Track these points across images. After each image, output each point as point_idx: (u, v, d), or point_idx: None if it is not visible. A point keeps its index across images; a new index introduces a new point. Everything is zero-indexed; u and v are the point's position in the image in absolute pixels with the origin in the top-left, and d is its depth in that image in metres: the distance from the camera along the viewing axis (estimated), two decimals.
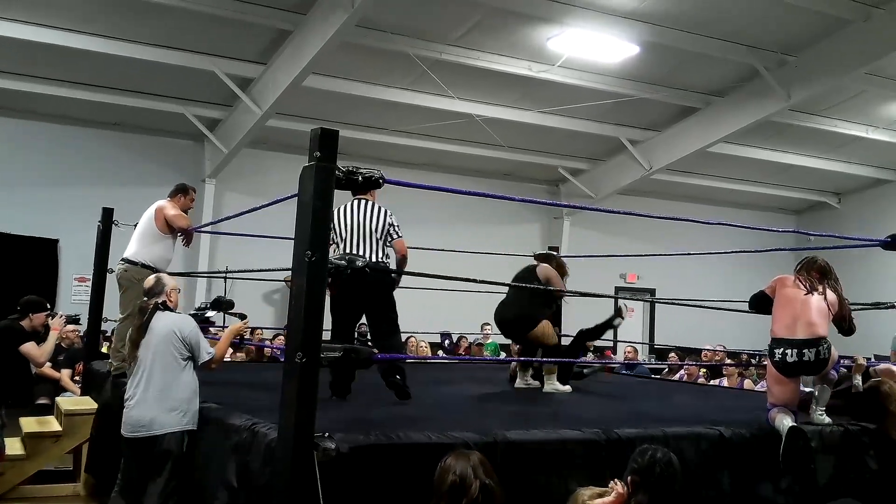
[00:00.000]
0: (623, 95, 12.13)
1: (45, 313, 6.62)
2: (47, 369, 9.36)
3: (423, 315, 11.90)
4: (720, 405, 6.45)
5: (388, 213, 5.34)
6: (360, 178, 3.93)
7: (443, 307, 12.24)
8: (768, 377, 4.87)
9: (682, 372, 9.83)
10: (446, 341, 13.60)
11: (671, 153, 13.85)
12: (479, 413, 5.13)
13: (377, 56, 10.91)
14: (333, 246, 5.17)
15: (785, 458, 4.42)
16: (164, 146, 12.96)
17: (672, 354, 10.78)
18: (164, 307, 4.75)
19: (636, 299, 15.44)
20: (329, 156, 3.72)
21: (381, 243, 5.22)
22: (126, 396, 4.65)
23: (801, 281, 4.79)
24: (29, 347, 6.33)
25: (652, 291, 16.23)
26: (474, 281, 4.88)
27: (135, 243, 6.50)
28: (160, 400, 4.49)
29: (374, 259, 5.15)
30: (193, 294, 12.88)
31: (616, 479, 3.50)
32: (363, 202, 5.29)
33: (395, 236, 5.33)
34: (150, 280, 4.93)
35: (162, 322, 4.66)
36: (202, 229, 6.91)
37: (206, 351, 4.71)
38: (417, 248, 7.71)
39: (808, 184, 16.82)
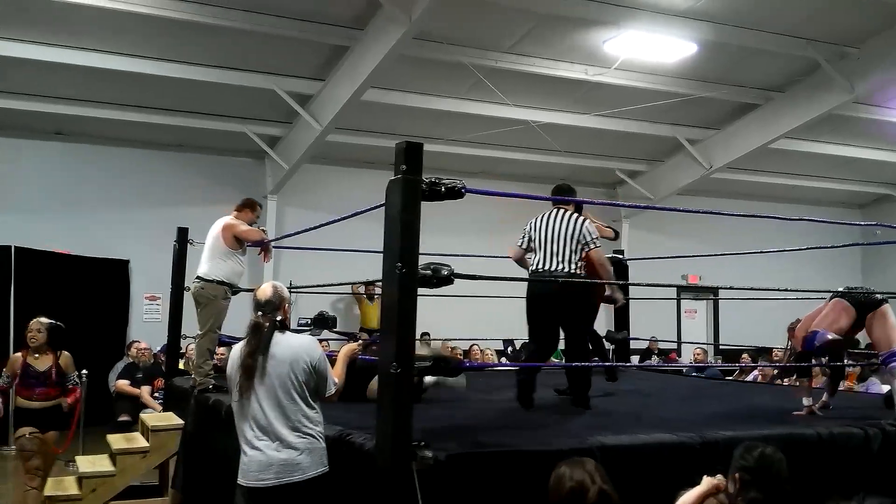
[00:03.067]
0: (681, 95, 12.01)
1: None
2: (126, 387, 9.62)
3: (485, 323, 11.95)
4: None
5: (586, 223, 5.51)
6: (444, 189, 3.95)
7: (504, 315, 12.23)
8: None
9: (755, 373, 9.67)
10: (509, 348, 13.59)
11: (731, 151, 13.66)
12: (564, 418, 5.11)
13: (433, 67, 10.98)
14: (531, 253, 5.59)
15: None
16: (225, 165, 13.21)
17: (744, 355, 10.60)
18: (282, 326, 3.93)
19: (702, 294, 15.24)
20: (415, 168, 3.77)
21: (574, 253, 5.40)
22: (245, 438, 3.81)
23: None
24: None
25: (714, 291, 15.99)
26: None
27: (206, 261, 6.64)
28: (293, 440, 3.71)
29: (566, 268, 5.38)
30: None
31: (710, 476, 3.47)
32: (562, 211, 5.54)
33: (590, 246, 5.48)
34: (267, 291, 3.96)
35: (285, 345, 3.84)
36: (285, 245, 7.02)
37: (333, 382, 3.93)
38: (471, 256, 7.77)
39: (872, 177, 16.42)
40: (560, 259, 5.39)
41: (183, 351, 9.23)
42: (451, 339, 11.19)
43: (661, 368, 10.58)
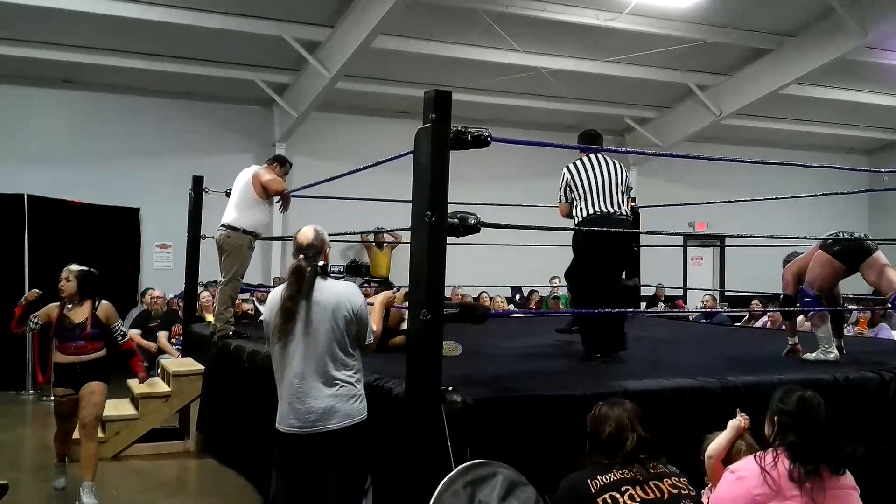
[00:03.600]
0: (692, 40, 11.89)
1: None
2: (137, 338, 9.71)
3: (493, 271, 12.03)
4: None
5: (626, 168, 5.46)
6: (470, 138, 3.96)
7: (512, 262, 12.32)
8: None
9: (764, 319, 9.76)
10: (517, 296, 13.71)
11: (742, 97, 13.55)
12: (584, 364, 5.19)
13: (443, 13, 10.85)
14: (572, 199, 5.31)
15: None
16: (234, 113, 13.15)
17: (755, 302, 10.68)
18: (324, 271, 3.80)
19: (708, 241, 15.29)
20: (444, 117, 3.76)
21: (623, 199, 5.30)
22: (283, 384, 3.73)
23: None
24: None
25: (721, 239, 16.05)
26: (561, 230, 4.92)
27: (233, 209, 6.67)
28: (334, 387, 3.65)
29: (627, 214, 5.31)
30: (269, 259, 13.16)
31: (743, 415, 3.53)
32: (603, 156, 5.39)
33: (630, 193, 5.46)
34: (308, 234, 3.81)
35: (327, 291, 3.72)
36: (295, 194, 7.03)
37: (372, 329, 3.85)
38: (485, 205, 7.76)
39: (880, 122, 16.32)
40: (620, 203, 5.29)
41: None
42: (460, 287, 11.26)
43: (671, 315, 10.68)
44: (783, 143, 16.33)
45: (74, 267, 5.85)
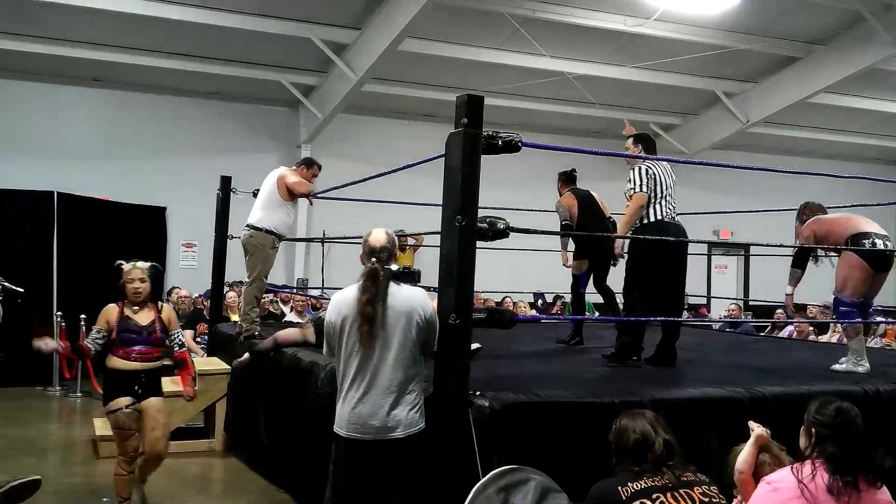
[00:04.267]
0: (720, 47, 11.84)
1: None
2: None
3: (515, 276, 12.02)
4: None
5: None
6: (501, 143, 3.97)
7: (533, 268, 12.29)
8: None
9: (790, 329, 9.69)
10: (539, 301, 13.67)
11: (769, 105, 13.48)
12: (609, 371, 5.18)
13: (470, 16, 10.88)
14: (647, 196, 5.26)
15: None
16: (261, 114, 13.24)
17: (779, 311, 10.59)
18: (395, 276, 3.73)
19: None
20: (476, 122, 3.77)
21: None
22: (350, 387, 3.63)
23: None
24: None
25: (745, 248, 15.93)
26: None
27: (258, 210, 6.71)
28: (401, 395, 3.58)
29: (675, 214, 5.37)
30: (293, 259, 13.24)
31: (756, 423, 3.50)
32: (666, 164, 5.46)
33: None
34: (381, 238, 3.71)
35: (400, 296, 3.65)
36: (319, 196, 7.08)
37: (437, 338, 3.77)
38: (504, 209, 7.74)
39: None
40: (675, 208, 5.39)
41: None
42: (482, 292, 11.25)
43: (694, 323, 10.61)
44: (812, 153, 16.20)
45: (142, 264, 5.15)
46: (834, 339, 9.52)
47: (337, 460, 3.70)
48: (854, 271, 5.24)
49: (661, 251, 5.23)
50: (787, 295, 5.75)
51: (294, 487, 5.48)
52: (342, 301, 3.71)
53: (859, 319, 5.31)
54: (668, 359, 5.46)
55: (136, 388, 5.03)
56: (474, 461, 3.56)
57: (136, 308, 5.11)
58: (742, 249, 16.00)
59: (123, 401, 4.96)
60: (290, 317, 10.13)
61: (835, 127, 15.47)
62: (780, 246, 5.94)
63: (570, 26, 11.15)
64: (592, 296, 9.46)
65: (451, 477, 3.57)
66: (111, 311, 5.11)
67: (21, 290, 5.84)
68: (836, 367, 5.35)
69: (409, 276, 4.16)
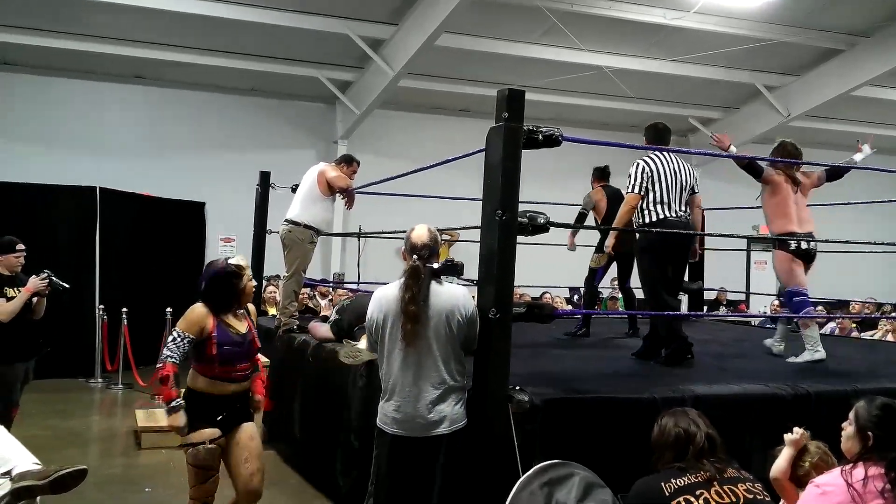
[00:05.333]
0: (761, 40, 11.66)
1: (15, 254, 5.76)
2: None
3: (551, 271, 11.95)
4: (888, 358, 6.27)
5: (692, 166, 5.36)
6: (541, 137, 3.95)
7: (569, 263, 12.21)
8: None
9: (832, 325, 9.53)
10: (575, 296, 13.61)
11: (811, 98, 13.27)
12: (648, 367, 5.13)
13: (507, 11, 10.85)
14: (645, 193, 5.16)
15: None
16: (298, 109, 13.35)
17: (819, 308, 10.39)
18: (436, 273, 3.70)
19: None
20: (517, 116, 3.75)
21: (687, 197, 5.26)
22: (394, 385, 3.65)
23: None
24: None
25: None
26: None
27: (298, 205, 6.75)
28: (444, 392, 3.59)
29: (682, 211, 5.23)
30: (329, 254, 13.32)
31: (797, 427, 3.44)
32: (675, 155, 5.30)
33: (696, 190, 5.39)
34: (423, 235, 3.71)
35: (442, 294, 3.65)
36: (356, 191, 7.10)
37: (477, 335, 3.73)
38: (540, 203, 7.71)
39: None
40: (684, 205, 5.25)
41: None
42: (519, 287, 11.22)
43: (734, 319, 10.48)
44: (853, 147, 15.79)
45: (238, 257, 4.30)
46: (877, 336, 9.35)
47: (380, 456, 3.72)
48: (792, 264, 5.44)
49: (670, 248, 5.19)
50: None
51: (325, 483, 5.50)
52: (384, 298, 3.73)
53: (812, 308, 5.48)
54: (654, 353, 5.39)
55: (229, 416, 4.11)
56: (514, 456, 3.55)
57: (243, 311, 4.25)
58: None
59: (208, 433, 4.01)
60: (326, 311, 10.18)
61: (876, 120, 15.14)
62: (823, 241, 5.82)
63: (609, 20, 11.06)
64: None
65: (491, 472, 3.57)
66: (205, 316, 4.04)
67: (67, 286, 5.91)
68: (795, 359, 5.39)
69: (453, 269, 4.10)
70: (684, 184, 5.24)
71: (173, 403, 3.95)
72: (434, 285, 3.65)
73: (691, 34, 11.50)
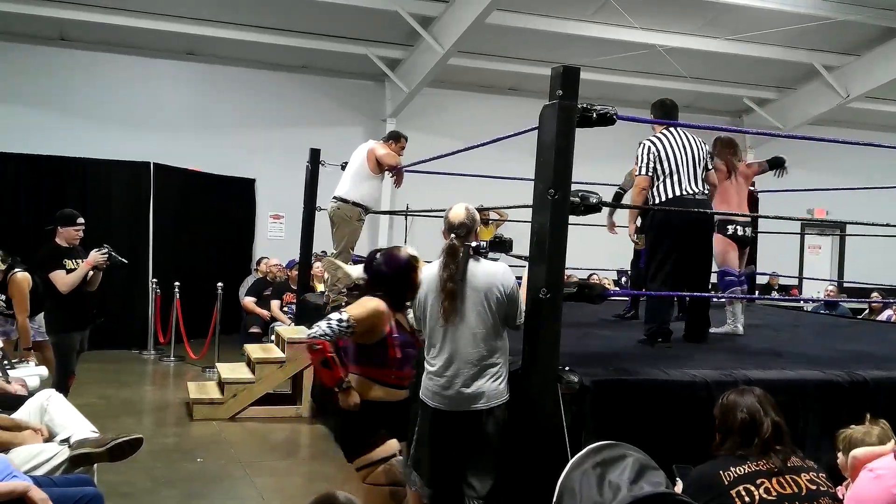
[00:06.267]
0: (820, 18, 11.34)
1: (75, 227, 5.92)
2: (251, 306, 10.10)
3: (598, 252, 11.84)
4: None
5: (704, 141, 5.21)
6: (595, 116, 3.89)
7: (618, 244, 12.08)
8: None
9: (889, 312, 9.31)
10: (623, 278, 13.49)
11: (872, 79, 12.86)
12: (699, 350, 5.06)
13: None
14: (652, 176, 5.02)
15: None
16: (347, 87, 13.35)
17: (875, 294, 10.19)
18: (475, 251, 3.73)
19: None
20: (571, 94, 3.71)
21: (702, 174, 5.10)
22: (436, 359, 3.71)
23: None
24: (55, 276, 5.76)
25: (842, 227, 15.34)
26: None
27: (347, 182, 6.79)
28: (482, 367, 3.63)
29: (702, 191, 5.09)
30: (377, 232, 13.37)
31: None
32: (684, 132, 5.13)
33: (709, 167, 5.22)
34: (460, 213, 3.75)
35: (480, 272, 3.69)
36: (405, 169, 7.11)
37: (522, 310, 3.73)
38: (592, 184, 7.62)
39: None
40: (701, 181, 5.06)
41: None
42: (568, 269, 11.15)
43: (785, 304, 10.28)
44: None
45: (410, 248, 4.01)
46: None
47: (422, 426, 3.82)
48: (728, 246, 5.75)
49: (674, 228, 5.00)
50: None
51: None
52: (426, 276, 3.81)
53: (738, 287, 5.83)
54: (696, 337, 5.29)
55: (399, 421, 3.89)
56: (562, 437, 3.54)
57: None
58: (837, 229, 15.43)
59: (394, 444, 3.79)
60: None
61: None
62: (879, 225, 5.64)
63: None
64: None
65: (540, 451, 3.56)
66: (384, 314, 3.73)
67: (125, 261, 6.05)
68: (717, 329, 5.68)
69: (501, 245, 4.05)
70: (697, 160, 5.06)
71: (344, 384, 3.65)
72: (472, 263, 3.71)
73: (747, 11, 11.24)
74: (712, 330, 5.52)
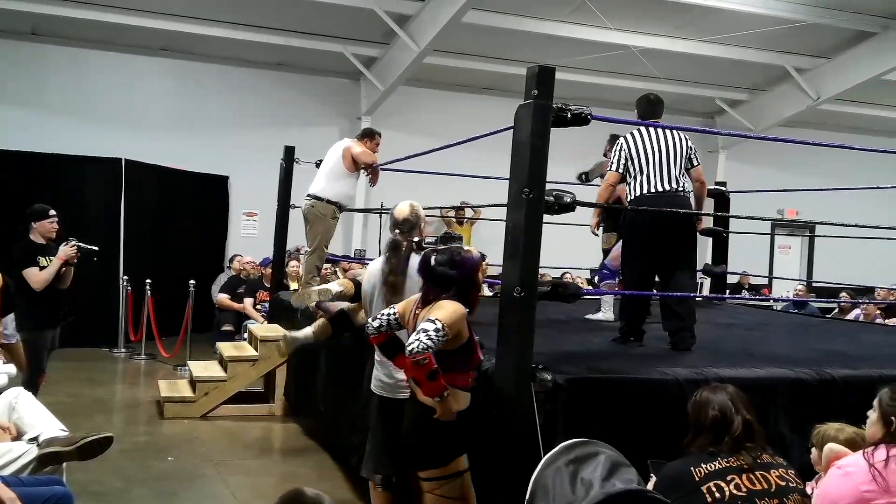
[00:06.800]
0: (793, 21, 11.48)
1: (49, 220, 5.86)
2: (226, 301, 10.04)
3: (571, 252, 11.89)
4: None
5: (687, 137, 5.03)
6: (570, 115, 3.91)
7: (590, 244, 12.14)
8: None
9: (857, 311, 9.45)
10: (596, 277, 13.55)
11: (842, 81, 13.04)
12: (671, 350, 5.09)
13: None
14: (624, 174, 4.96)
15: None
16: (322, 85, 13.29)
17: (844, 294, 10.34)
18: (419, 246, 3.86)
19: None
20: (546, 94, 3.72)
21: (681, 173, 4.95)
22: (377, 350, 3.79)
23: None
24: (29, 273, 5.69)
25: (811, 227, 15.55)
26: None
27: (322, 179, 6.77)
28: None
29: (682, 189, 4.98)
30: (351, 230, 13.33)
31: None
32: (660, 128, 5.01)
33: (695, 162, 5.02)
34: (404, 210, 3.97)
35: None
36: (384, 167, 7.10)
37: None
38: (565, 184, 7.64)
39: None
40: (676, 179, 4.91)
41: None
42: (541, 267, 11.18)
43: (756, 304, 10.40)
44: (883, 131, 15.69)
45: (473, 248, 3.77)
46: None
47: (370, 415, 4.09)
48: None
49: (641, 227, 4.95)
50: None
51: (344, 455, 5.53)
52: (370, 270, 4.08)
53: (612, 280, 6.42)
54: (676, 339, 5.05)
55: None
56: (535, 436, 3.55)
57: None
58: (807, 229, 15.63)
59: (465, 458, 3.57)
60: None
61: None
62: (848, 226, 5.70)
63: None
64: None
65: (513, 449, 3.57)
66: (464, 313, 3.43)
67: (96, 248, 6.00)
68: (591, 316, 6.39)
69: (450, 241, 3.91)
70: (674, 156, 4.92)
71: (447, 393, 3.34)
72: (414, 257, 3.86)
73: (721, 14, 11.35)
74: (588, 316, 6.36)
